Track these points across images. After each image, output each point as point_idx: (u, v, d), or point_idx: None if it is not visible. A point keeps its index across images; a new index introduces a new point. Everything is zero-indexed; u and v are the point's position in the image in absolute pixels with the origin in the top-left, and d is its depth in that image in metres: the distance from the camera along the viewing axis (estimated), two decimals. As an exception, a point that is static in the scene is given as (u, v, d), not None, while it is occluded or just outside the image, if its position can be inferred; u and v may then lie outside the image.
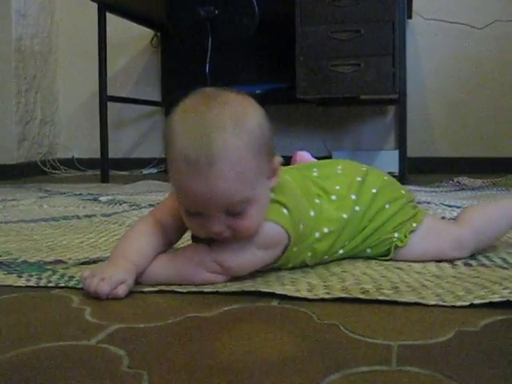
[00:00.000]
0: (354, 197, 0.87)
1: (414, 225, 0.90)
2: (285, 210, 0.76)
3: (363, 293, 0.71)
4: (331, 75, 2.43)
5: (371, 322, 0.62)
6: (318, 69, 2.45)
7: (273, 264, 0.81)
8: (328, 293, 0.71)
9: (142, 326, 0.62)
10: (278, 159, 0.76)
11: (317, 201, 0.85)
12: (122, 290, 0.71)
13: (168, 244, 0.81)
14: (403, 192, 0.93)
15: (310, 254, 0.84)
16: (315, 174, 0.90)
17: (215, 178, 0.67)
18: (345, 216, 0.86)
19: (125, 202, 1.76)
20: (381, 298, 0.69)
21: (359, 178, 0.90)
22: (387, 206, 0.89)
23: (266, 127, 0.72)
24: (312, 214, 0.83)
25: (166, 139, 0.71)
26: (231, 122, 0.68)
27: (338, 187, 0.88)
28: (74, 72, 3.42)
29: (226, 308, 0.67)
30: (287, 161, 1.52)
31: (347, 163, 0.97)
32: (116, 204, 1.73)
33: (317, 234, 0.83)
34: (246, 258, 0.76)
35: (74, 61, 3.42)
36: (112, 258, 0.76)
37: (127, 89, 3.31)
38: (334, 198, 0.87)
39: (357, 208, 0.87)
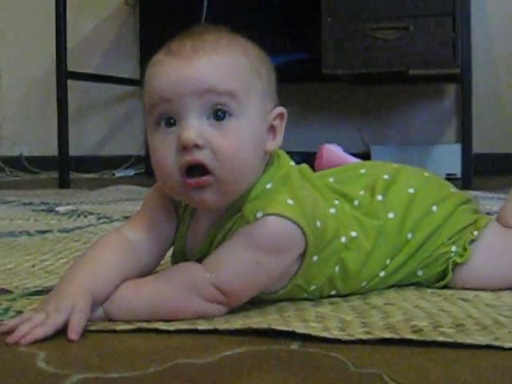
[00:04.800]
0: (380, 197, 0.90)
1: (475, 233, 0.91)
2: (289, 201, 0.78)
3: (415, 332, 0.70)
4: (369, 43, 2.44)
5: (426, 370, 0.61)
6: (351, 34, 2.45)
7: (286, 284, 0.82)
8: (368, 332, 0.71)
9: (114, 375, 0.61)
10: (282, 109, 0.82)
11: (336, 202, 0.87)
12: (76, 320, 0.71)
13: (139, 269, 0.82)
14: (453, 190, 0.96)
15: (337, 268, 0.85)
16: (331, 180, 0.93)
17: (199, 59, 0.75)
18: (375, 223, 0.88)
19: (91, 214, 1.76)
20: (440, 339, 0.68)
21: (386, 177, 0.92)
22: (434, 209, 0.91)
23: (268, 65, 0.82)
24: (333, 210, 0.85)
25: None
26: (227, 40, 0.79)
27: (361, 192, 0.91)
28: (22, 42, 3.45)
29: (228, 352, 0.67)
30: (309, 159, 1.52)
31: (373, 163, 1.00)
32: (79, 216, 1.73)
33: (343, 239, 0.85)
34: (249, 269, 0.77)
35: (23, 26, 3.44)
36: (55, 288, 0.77)
37: (94, 63, 3.33)
38: (356, 203, 0.89)
39: (390, 215, 0.89)
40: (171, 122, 0.76)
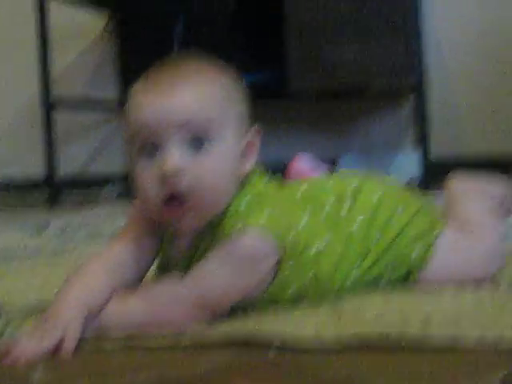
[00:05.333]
0: (349, 203, 0.90)
1: (435, 233, 0.92)
2: (264, 216, 0.78)
3: (383, 339, 0.70)
4: (331, 59, 2.44)
5: (400, 369, 0.62)
6: (314, 52, 2.45)
7: (265, 291, 0.81)
8: (339, 339, 0.70)
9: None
10: (256, 129, 0.82)
11: (308, 209, 0.87)
12: (69, 341, 0.71)
13: (127, 282, 0.81)
14: (413, 196, 0.98)
15: (312, 272, 0.84)
16: (304, 188, 0.92)
17: (177, 92, 0.75)
18: (345, 226, 0.88)
19: (80, 231, 1.76)
20: (404, 344, 0.68)
21: (354, 185, 0.93)
22: (400, 210, 0.92)
23: (241, 87, 0.82)
24: (305, 219, 0.85)
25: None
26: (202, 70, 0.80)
27: (332, 199, 0.90)
28: (8, 70, 3.41)
29: (210, 365, 0.67)
30: (281, 170, 1.52)
31: (342, 173, 1.03)
32: (69, 234, 1.73)
33: (316, 246, 0.84)
34: (228, 282, 0.77)
35: (8, 55, 3.41)
36: (49, 310, 0.76)
37: (77, 89, 3.30)
38: (327, 209, 0.89)
39: (359, 218, 0.89)
40: (153, 150, 0.76)
